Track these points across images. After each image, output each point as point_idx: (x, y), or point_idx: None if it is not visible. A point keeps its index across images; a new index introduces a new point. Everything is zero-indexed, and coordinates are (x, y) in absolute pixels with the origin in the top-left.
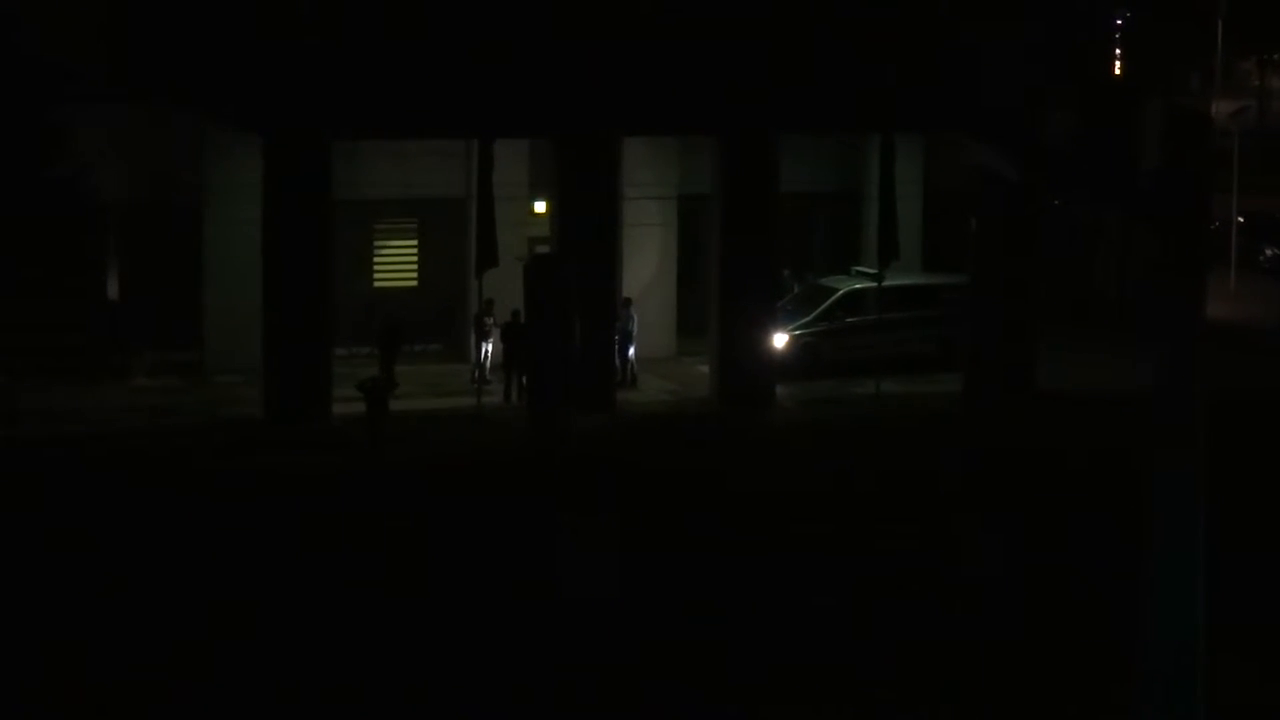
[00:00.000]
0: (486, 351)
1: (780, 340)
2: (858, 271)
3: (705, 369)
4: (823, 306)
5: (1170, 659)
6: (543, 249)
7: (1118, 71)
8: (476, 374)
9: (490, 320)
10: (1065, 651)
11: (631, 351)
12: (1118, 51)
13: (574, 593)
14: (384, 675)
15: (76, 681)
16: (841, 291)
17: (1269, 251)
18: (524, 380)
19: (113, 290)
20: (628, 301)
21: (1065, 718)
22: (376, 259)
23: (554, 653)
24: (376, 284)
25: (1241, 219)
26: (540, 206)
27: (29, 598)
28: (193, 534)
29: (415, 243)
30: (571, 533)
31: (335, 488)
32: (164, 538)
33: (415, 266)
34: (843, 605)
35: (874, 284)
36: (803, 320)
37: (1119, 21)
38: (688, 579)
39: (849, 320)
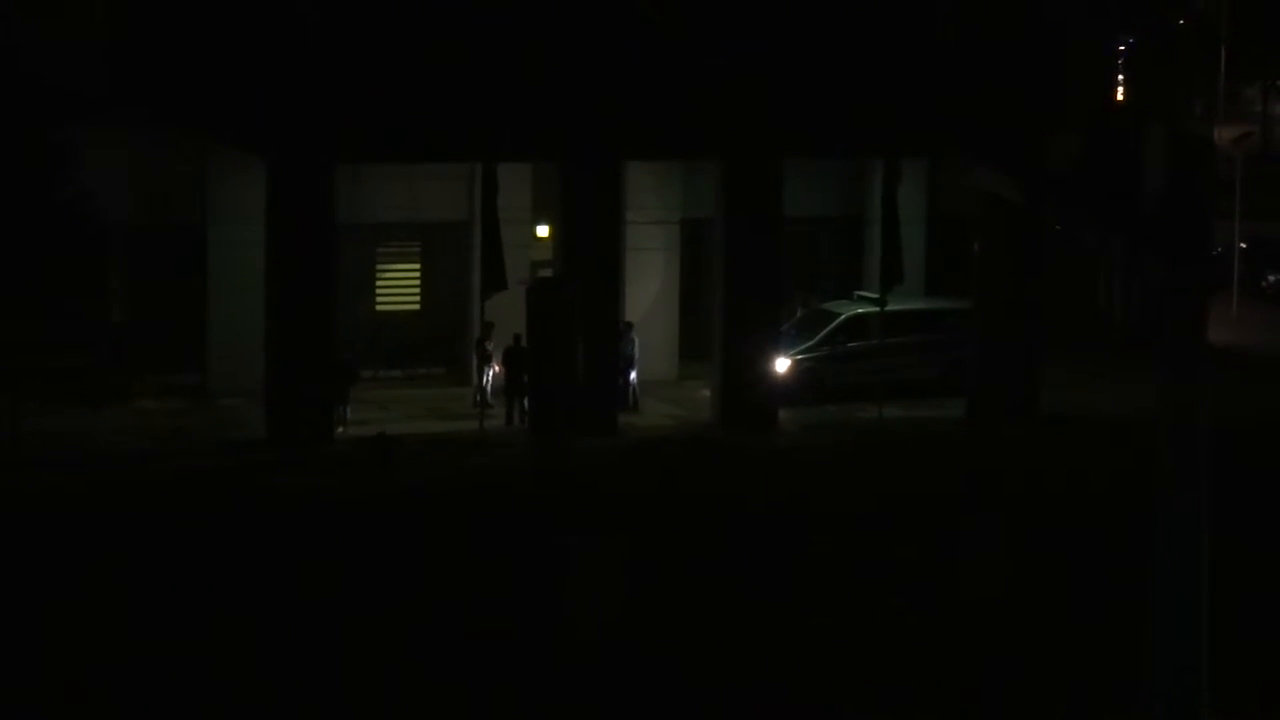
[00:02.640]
0: (488, 375)
1: (783, 365)
2: (860, 296)
3: (707, 393)
4: (825, 331)
5: (1175, 676)
6: (545, 273)
7: (1121, 97)
8: (479, 398)
9: (490, 344)
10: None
11: (633, 375)
12: (1121, 77)
13: (577, 613)
14: (387, 687)
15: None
16: (844, 316)
17: (1271, 277)
18: (525, 404)
19: (116, 313)
20: (629, 325)
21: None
22: (380, 282)
23: (557, 670)
24: (379, 307)
25: (1244, 245)
26: (543, 230)
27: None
28: (198, 553)
29: (418, 266)
30: (573, 554)
31: (341, 509)
32: (176, 559)
33: (418, 289)
34: (839, 624)
35: (877, 308)
36: (805, 345)
37: (1122, 47)
38: (691, 605)
39: (851, 345)
